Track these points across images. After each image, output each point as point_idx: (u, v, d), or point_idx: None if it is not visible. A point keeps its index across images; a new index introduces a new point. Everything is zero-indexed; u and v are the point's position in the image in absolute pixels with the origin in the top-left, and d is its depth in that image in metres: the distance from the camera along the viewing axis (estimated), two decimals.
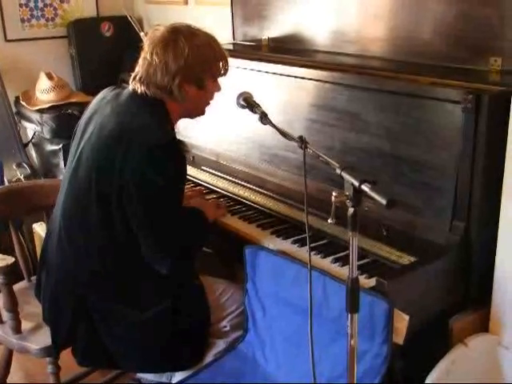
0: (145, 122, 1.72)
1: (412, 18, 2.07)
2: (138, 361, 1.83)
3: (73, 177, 1.80)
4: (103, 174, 1.70)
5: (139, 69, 1.79)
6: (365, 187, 1.21)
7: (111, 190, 1.68)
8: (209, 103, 1.91)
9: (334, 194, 1.26)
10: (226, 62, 1.85)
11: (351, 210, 1.24)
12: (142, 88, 1.78)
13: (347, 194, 1.25)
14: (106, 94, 1.90)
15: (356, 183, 1.22)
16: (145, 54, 1.78)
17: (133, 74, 1.81)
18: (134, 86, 1.80)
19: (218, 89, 1.88)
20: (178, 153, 1.72)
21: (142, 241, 1.71)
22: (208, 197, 2.27)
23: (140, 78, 1.78)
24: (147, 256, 1.72)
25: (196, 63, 1.76)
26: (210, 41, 1.81)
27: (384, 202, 1.17)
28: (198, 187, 2.36)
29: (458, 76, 1.78)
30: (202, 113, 1.93)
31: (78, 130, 1.88)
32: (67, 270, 1.82)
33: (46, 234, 2.00)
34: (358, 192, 1.23)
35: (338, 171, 1.30)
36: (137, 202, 1.67)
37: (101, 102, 1.87)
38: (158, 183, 1.66)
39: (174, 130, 1.82)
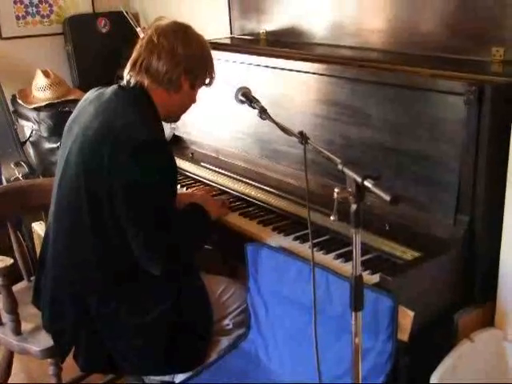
0: (129, 121, 1.67)
1: (412, 8, 2.05)
2: (141, 364, 1.81)
3: (62, 180, 1.78)
4: (92, 176, 1.67)
5: (140, 52, 1.74)
6: (368, 183, 1.18)
7: (101, 192, 1.65)
8: (185, 110, 1.90)
9: (336, 190, 1.22)
10: (214, 75, 1.85)
11: (354, 206, 1.21)
12: (137, 78, 1.73)
13: (349, 190, 1.22)
14: (89, 95, 1.86)
15: (359, 179, 1.19)
16: (150, 37, 1.72)
17: (131, 60, 1.75)
18: (129, 76, 1.75)
19: (195, 99, 1.87)
20: (165, 150, 1.67)
21: (131, 240, 1.67)
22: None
23: (141, 64, 1.72)
24: (137, 256, 1.69)
25: (199, 60, 1.77)
26: (209, 48, 1.82)
27: (388, 198, 1.14)
28: (207, 187, 2.30)
29: (460, 67, 1.76)
30: (178, 118, 1.93)
31: (64, 133, 1.85)
32: (65, 276, 1.79)
33: (44, 237, 1.96)
34: (360, 188, 1.20)
35: (340, 167, 1.27)
36: (123, 201, 1.64)
37: (84, 104, 1.83)
38: (144, 182, 1.63)
39: (160, 124, 1.78)
